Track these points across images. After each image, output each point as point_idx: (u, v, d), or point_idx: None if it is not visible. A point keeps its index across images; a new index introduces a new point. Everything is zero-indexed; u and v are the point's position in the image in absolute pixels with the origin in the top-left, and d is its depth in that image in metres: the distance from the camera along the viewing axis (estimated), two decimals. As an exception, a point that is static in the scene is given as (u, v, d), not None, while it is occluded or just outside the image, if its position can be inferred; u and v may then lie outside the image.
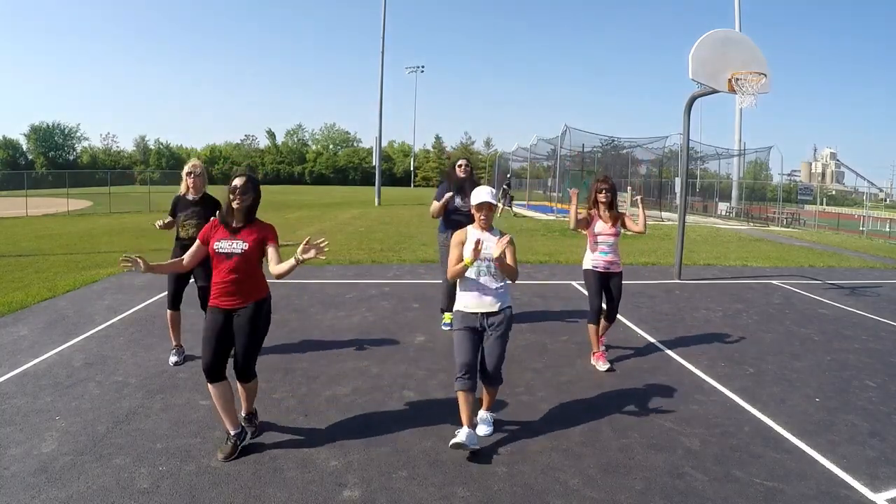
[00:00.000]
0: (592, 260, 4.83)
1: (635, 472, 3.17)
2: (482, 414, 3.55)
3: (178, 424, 3.58)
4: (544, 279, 8.59)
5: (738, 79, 7.95)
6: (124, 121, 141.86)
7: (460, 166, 5.49)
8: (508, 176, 27.45)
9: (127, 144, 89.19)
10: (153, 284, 7.59)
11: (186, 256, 3.34)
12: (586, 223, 4.81)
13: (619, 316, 6.43)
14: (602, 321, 4.90)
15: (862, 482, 3.12)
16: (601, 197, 4.77)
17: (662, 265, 10.26)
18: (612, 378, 4.57)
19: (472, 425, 3.30)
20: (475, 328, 3.34)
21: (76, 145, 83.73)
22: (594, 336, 4.83)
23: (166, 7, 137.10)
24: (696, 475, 3.14)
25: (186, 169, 4.68)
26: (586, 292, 4.98)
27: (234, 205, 3.20)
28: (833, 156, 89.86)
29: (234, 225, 3.23)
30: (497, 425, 3.65)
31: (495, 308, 3.36)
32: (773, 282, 9.02)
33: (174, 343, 4.72)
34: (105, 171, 46.97)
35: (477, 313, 3.34)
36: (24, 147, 79.78)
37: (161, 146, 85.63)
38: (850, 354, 5.40)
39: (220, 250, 3.18)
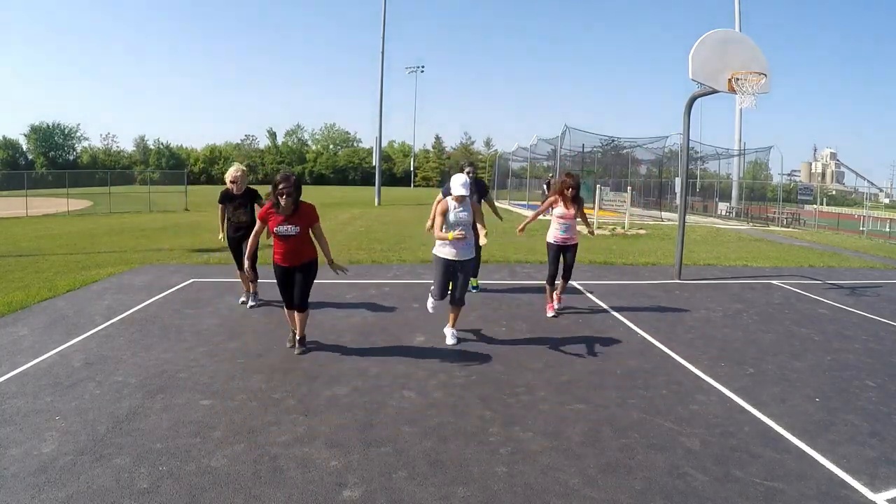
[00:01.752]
0: (553, 236, 6.27)
1: (635, 472, 3.17)
2: (449, 329, 5.29)
3: (178, 424, 3.58)
4: (544, 279, 8.58)
5: (738, 79, 7.94)
6: (124, 121, 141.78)
7: (467, 173, 6.28)
8: (551, 175, 27.30)
9: (127, 144, 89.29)
10: (153, 284, 7.60)
11: (254, 235, 4.79)
12: (550, 206, 6.23)
13: (618, 315, 6.49)
14: (559, 281, 6.43)
15: (862, 482, 3.12)
16: (568, 193, 6.10)
17: (662, 265, 10.26)
18: (613, 378, 4.58)
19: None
20: (451, 270, 5.02)
21: (76, 145, 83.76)
22: (549, 293, 6.44)
23: (167, 7, 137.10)
24: (696, 475, 3.15)
25: (229, 178, 6.14)
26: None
27: (282, 200, 4.35)
28: (833, 156, 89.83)
29: (285, 212, 4.43)
30: (497, 425, 3.67)
31: (466, 258, 5.02)
32: (773, 282, 9.02)
33: (245, 290, 6.53)
34: (105, 171, 46.97)
35: (454, 261, 4.99)
36: (24, 147, 79.80)
37: (161, 146, 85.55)
38: (850, 354, 5.40)
39: (280, 233, 4.51)
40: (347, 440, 3.43)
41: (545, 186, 24.25)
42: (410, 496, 2.88)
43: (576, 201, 6.16)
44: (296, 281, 4.70)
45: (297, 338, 4.93)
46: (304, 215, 4.54)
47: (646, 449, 3.43)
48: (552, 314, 6.33)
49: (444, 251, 5.00)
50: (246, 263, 5.01)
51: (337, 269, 4.80)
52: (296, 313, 4.82)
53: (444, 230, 4.97)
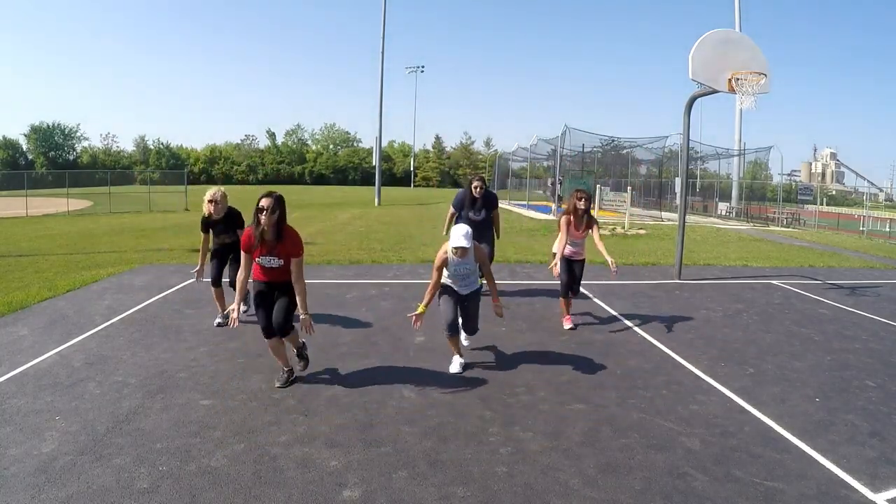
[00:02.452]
0: (560, 249, 5.90)
1: (635, 472, 3.17)
2: (455, 357, 4.73)
3: (178, 424, 3.58)
4: (544, 279, 8.59)
5: (737, 79, 7.95)
6: (124, 121, 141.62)
7: (476, 188, 6.63)
8: (560, 177, 27.26)
9: (127, 144, 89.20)
10: (153, 284, 7.60)
11: (243, 269, 4.04)
12: (566, 227, 5.79)
13: (619, 316, 6.48)
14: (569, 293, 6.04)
15: (862, 482, 3.12)
16: (580, 204, 5.72)
17: (662, 265, 10.27)
18: (612, 378, 4.58)
19: (460, 354, 4.73)
20: (457, 297, 4.55)
21: (76, 145, 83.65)
22: (564, 306, 6.09)
23: (167, 7, 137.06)
24: (696, 475, 3.15)
25: (207, 197, 5.53)
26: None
27: (262, 217, 3.83)
28: (833, 156, 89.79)
29: (266, 238, 3.91)
30: (497, 425, 3.67)
31: (467, 292, 4.59)
32: (773, 282, 9.02)
33: (220, 310, 5.81)
34: (105, 171, 46.95)
35: (459, 294, 4.56)
36: (24, 147, 79.71)
37: (161, 146, 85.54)
38: (850, 354, 5.40)
39: (262, 264, 4.02)
40: (347, 440, 3.43)
41: (556, 186, 24.23)
42: (410, 496, 2.88)
43: (588, 220, 5.78)
44: (276, 299, 4.08)
45: (295, 351, 4.42)
46: (288, 244, 3.97)
47: (646, 449, 3.43)
48: (570, 326, 5.96)
49: (447, 284, 4.56)
50: (237, 298, 4.11)
51: (305, 327, 3.94)
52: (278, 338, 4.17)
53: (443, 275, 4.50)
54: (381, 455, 3.27)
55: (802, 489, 3.04)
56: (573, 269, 5.95)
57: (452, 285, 4.53)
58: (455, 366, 4.67)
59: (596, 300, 7.26)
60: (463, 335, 4.97)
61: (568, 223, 5.76)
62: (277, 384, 4.19)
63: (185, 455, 3.21)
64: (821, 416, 3.99)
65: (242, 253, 4.00)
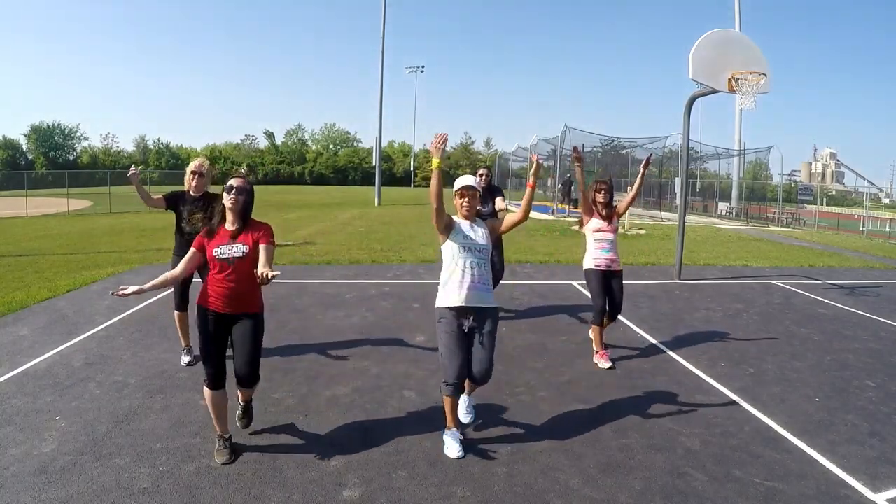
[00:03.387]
0: (594, 259, 4.85)
1: (635, 472, 3.17)
2: (463, 398, 3.64)
3: (178, 424, 3.58)
4: (544, 279, 8.60)
5: (738, 79, 7.95)
6: (124, 121, 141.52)
7: (482, 176, 5.99)
8: (567, 176, 27.19)
9: (127, 144, 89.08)
10: (153, 284, 7.59)
11: (182, 265, 3.23)
12: (587, 218, 4.93)
13: (619, 316, 6.45)
14: (604, 319, 4.97)
15: (862, 482, 3.12)
16: (600, 197, 4.84)
17: (662, 265, 10.26)
18: (612, 378, 4.58)
19: (458, 426, 3.42)
20: (463, 329, 3.26)
21: (76, 145, 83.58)
22: (597, 336, 4.88)
23: (166, 7, 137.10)
24: (696, 475, 3.15)
25: (192, 168, 4.62)
26: (588, 293, 4.99)
27: (228, 204, 3.15)
28: (833, 156, 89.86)
29: (228, 227, 3.18)
30: (497, 425, 3.66)
31: (484, 305, 3.30)
32: (773, 282, 9.02)
33: (184, 344, 4.72)
34: (105, 171, 46.90)
35: (466, 308, 3.25)
36: (24, 147, 79.66)
37: (161, 146, 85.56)
38: (850, 354, 5.40)
39: (221, 256, 3.10)
40: (347, 440, 3.43)
41: (567, 186, 24.25)
42: (410, 496, 2.88)
43: (610, 207, 4.90)
44: (236, 339, 3.19)
45: (242, 402, 3.45)
46: (255, 232, 3.16)
47: (646, 449, 3.42)
48: (607, 365, 4.76)
49: (449, 297, 3.26)
50: (151, 283, 3.12)
51: (262, 274, 2.85)
52: (239, 389, 3.34)
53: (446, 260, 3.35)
54: (381, 455, 3.27)
55: (802, 489, 3.04)
56: (611, 285, 4.81)
57: (462, 278, 3.24)
58: (452, 447, 3.27)
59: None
60: (463, 402, 3.64)
61: (591, 214, 4.88)
62: (220, 460, 3.15)
63: (185, 455, 3.21)
64: (821, 416, 3.99)
65: (192, 248, 3.21)
